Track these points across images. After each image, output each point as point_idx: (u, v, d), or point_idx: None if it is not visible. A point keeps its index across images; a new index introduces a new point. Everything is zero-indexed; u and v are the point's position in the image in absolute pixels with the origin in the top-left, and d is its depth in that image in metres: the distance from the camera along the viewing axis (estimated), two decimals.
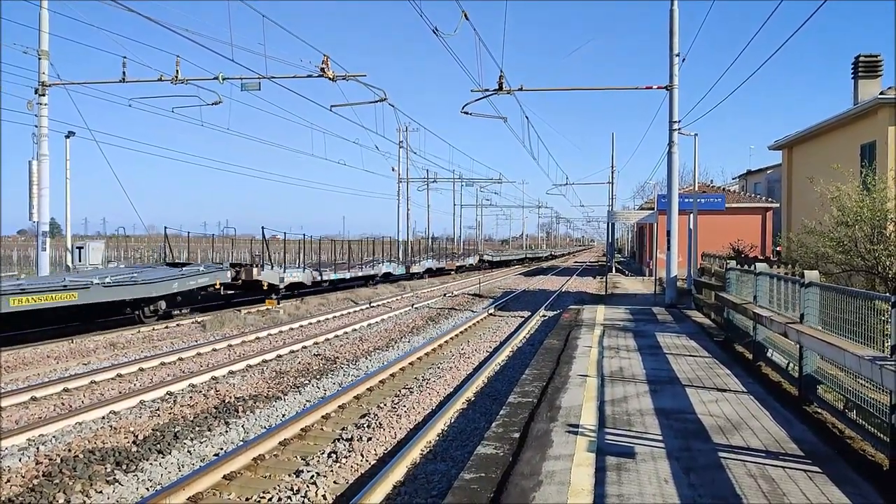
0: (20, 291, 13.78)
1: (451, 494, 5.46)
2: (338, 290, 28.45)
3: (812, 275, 8.20)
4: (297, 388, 10.96)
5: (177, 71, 20.47)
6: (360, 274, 31.79)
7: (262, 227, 25.28)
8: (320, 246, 33.63)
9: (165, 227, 26.94)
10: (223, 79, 20.32)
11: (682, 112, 20.71)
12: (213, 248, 30.73)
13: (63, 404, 9.87)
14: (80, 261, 21.69)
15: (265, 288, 22.62)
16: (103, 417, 9.04)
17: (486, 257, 56.61)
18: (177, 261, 24.35)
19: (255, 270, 21.84)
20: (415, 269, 39.03)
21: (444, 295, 28.81)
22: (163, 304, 18.34)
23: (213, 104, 21.89)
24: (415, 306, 23.77)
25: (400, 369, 12.37)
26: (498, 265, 58.21)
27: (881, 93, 19.66)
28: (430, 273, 41.44)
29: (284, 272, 23.96)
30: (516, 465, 5.93)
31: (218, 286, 20.52)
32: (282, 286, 23.41)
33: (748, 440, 6.52)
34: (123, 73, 20.92)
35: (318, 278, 26.73)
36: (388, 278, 34.78)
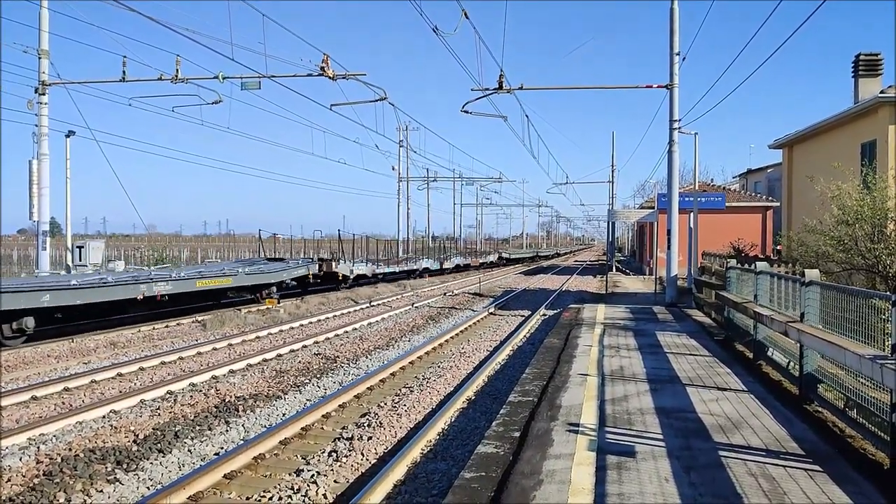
0: (199, 276, 19.55)
1: (452, 493, 5.46)
2: (385, 282, 33.11)
3: (812, 273, 8.19)
4: (298, 387, 10.96)
5: (177, 70, 20.47)
6: (405, 268, 37.05)
7: (339, 230, 30.77)
8: (368, 244, 38.31)
9: (260, 230, 31.05)
10: (223, 78, 20.32)
11: (682, 111, 20.70)
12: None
13: (63, 403, 9.87)
14: (80, 260, 21.67)
15: (340, 278, 27.95)
16: (104, 417, 9.04)
17: (503, 255, 62.37)
18: (273, 256, 30.67)
19: (333, 264, 27.49)
20: (447, 265, 43.84)
21: (445, 294, 28.81)
22: (274, 289, 23.41)
23: (213, 103, 21.89)
24: (415, 305, 23.77)
25: (400, 368, 12.37)
26: (513, 262, 63.87)
27: (881, 91, 19.66)
28: (458, 269, 46.02)
29: (353, 266, 29.54)
30: (517, 464, 5.93)
31: (310, 276, 25.74)
32: (351, 277, 29.10)
33: (749, 439, 6.52)
34: (123, 72, 20.91)
35: (375, 271, 32.40)
36: (426, 272, 39.99)
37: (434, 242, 54.45)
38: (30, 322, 14.18)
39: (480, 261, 52.64)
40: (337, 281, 27.94)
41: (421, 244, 48.76)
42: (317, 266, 26.28)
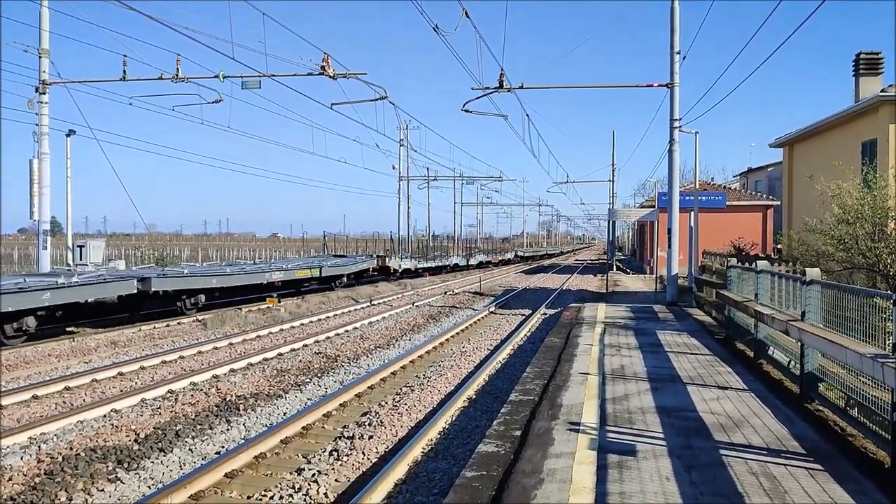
0: (299, 268, 25.04)
1: (453, 492, 5.46)
2: (420, 276, 37.76)
3: (813, 272, 8.19)
4: (299, 386, 10.96)
5: (177, 69, 20.46)
6: (439, 264, 42.96)
7: (391, 232, 31.80)
8: (408, 243, 43.88)
9: (324, 232, 34.92)
10: (224, 77, 20.31)
11: (682, 110, 20.68)
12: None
13: (64, 403, 9.88)
14: (80, 259, 21.67)
15: (391, 271, 34.20)
16: (105, 416, 9.04)
17: (519, 253, 69.11)
18: (339, 254, 36.73)
19: (387, 259, 34.05)
20: (472, 261, 49.59)
21: (445, 293, 28.81)
22: (344, 280, 28.88)
23: (213, 102, 21.88)
24: (416, 304, 23.77)
25: (401, 367, 12.37)
26: (527, 259, 71.07)
27: (882, 90, 19.64)
28: (481, 265, 51.15)
29: (401, 261, 35.42)
30: (518, 463, 5.94)
31: (371, 270, 31.95)
32: (400, 270, 34.92)
33: (749, 438, 6.52)
34: (124, 71, 20.90)
35: (417, 266, 38.25)
36: (455, 267, 45.36)
37: (434, 241, 54.46)
38: (202, 299, 19.58)
39: (500, 258, 59.52)
40: (388, 273, 34.06)
41: (420, 243, 49.30)
42: (375, 261, 33.03)
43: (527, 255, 73.08)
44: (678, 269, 21.29)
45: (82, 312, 16.47)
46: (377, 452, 7.59)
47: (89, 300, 15.59)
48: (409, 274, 36.40)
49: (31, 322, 14.22)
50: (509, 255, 63.80)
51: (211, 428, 8.53)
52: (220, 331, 17.03)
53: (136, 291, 16.66)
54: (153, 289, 17.00)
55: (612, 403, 7.95)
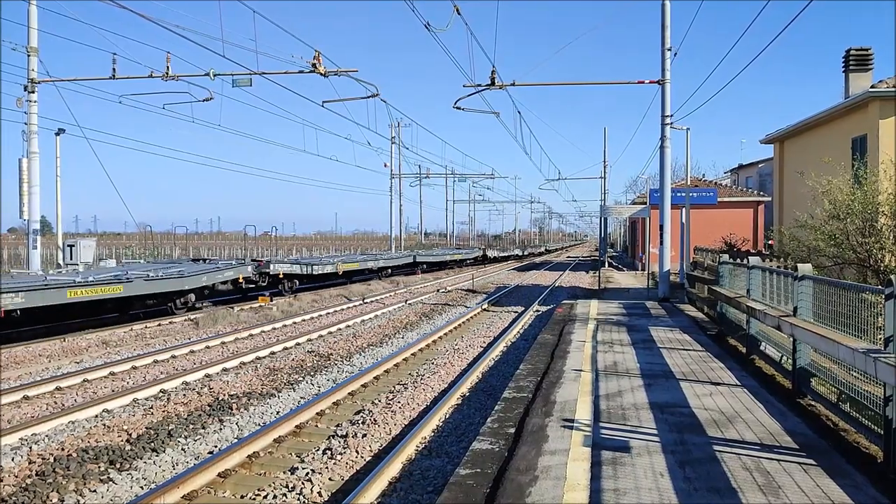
0: (351, 261, 29.79)
1: (448, 490, 5.45)
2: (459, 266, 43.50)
3: (805, 268, 8.22)
4: (291, 384, 10.93)
5: (167, 67, 20.37)
6: (465, 257, 49.32)
7: (418, 232, 32.58)
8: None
9: (423, 232, 35.30)
10: (214, 75, 20.23)
11: (674, 106, 20.71)
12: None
13: (56, 403, 9.82)
14: (71, 258, 21.54)
15: (417, 265, 39.27)
16: (96, 416, 8.99)
17: (528, 251, 73.91)
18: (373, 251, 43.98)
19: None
20: (490, 253, 55.08)
21: (438, 290, 28.80)
22: (389, 272, 33.95)
23: (204, 101, 21.82)
24: (408, 302, 23.75)
25: (394, 365, 12.36)
26: (532, 255, 75.78)
27: (872, 86, 19.73)
28: (495, 259, 56.12)
29: (426, 257, 41.25)
30: (512, 460, 5.93)
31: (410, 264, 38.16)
32: (425, 264, 40.46)
33: (743, 433, 6.54)
34: (113, 69, 20.79)
35: (444, 259, 44.35)
36: (476, 260, 51.04)
37: (426, 239, 54.54)
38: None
39: (508, 253, 63.93)
40: (417, 265, 39.60)
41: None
42: (413, 257, 39.71)
43: (536, 252, 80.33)
44: (670, 266, 21.34)
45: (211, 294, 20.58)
46: (371, 451, 7.57)
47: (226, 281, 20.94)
48: (442, 265, 43.90)
49: (192, 298, 18.92)
50: (518, 251, 68.71)
51: (203, 427, 8.49)
52: (212, 330, 16.97)
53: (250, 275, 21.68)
54: (272, 272, 22.83)
55: (606, 400, 7.96)
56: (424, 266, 41.36)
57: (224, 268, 21.08)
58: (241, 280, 21.60)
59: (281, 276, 24.06)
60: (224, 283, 20.83)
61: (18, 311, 13.70)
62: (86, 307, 15.86)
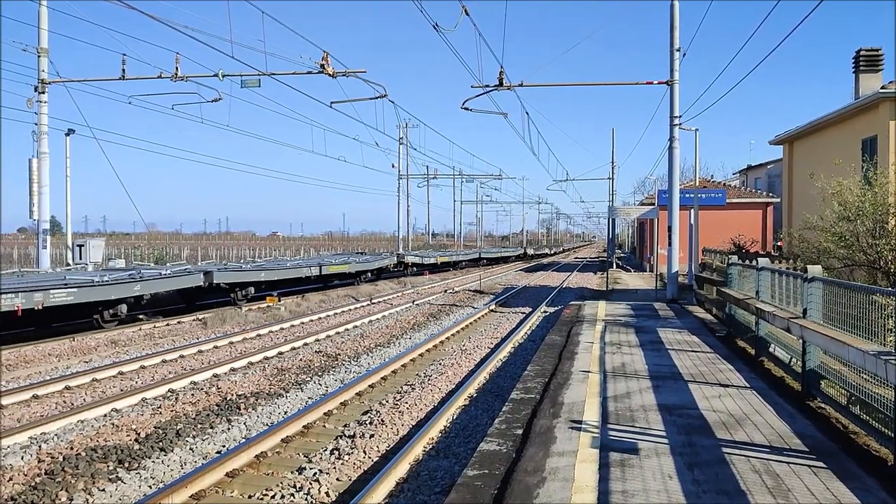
0: (431, 256, 39.97)
1: (455, 491, 5.45)
2: (420, 274, 40.32)
3: (815, 269, 8.18)
4: (299, 385, 10.95)
5: (176, 68, 20.44)
6: (502, 255, 57.31)
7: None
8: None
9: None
10: (223, 76, 20.29)
11: (682, 107, 20.66)
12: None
13: (65, 402, 9.86)
14: (80, 258, 21.66)
15: (452, 263, 45.13)
16: (105, 415, 9.03)
17: (554, 250, 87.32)
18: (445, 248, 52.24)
19: (438, 257, 43.53)
20: (529, 251, 65.24)
21: (445, 291, 28.79)
22: (463, 264, 41.98)
23: (213, 101, 21.88)
24: (416, 303, 23.75)
25: (402, 366, 12.36)
26: (554, 254, 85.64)
27: (882, 87, 19.62)
28: (517, 258, 62.96)
29: (459, 256, 47.82)
30: (520, 461, 5.92)
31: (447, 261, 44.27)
32: (462, 263, 47.52)
33: (752, 435, 6.51)
34: (123, 70, 20.89)
35: (481, 255, 52.16)
36: (519, 258, 60.17)
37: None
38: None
39: (539, 251, 72.08)
40: (453, 266, 45.41)
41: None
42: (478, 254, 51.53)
43: (561, 250, 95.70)
44: (678, 267, 21.28)
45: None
46: (378, 451, 7.57)
47: (170, 290, 19.16)
48: (474, 263, 50.51)
49: (123, 309, 16.57)
50: (546, 250, 79.08)
51: (212, 427, 8.51)
52: (220, 330, 17.02)
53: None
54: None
55: (614, 401, 7.94)
56: (485, 261, 52.26)
57: (382, 258, 31.70)
58: (389, 267, 33.58)
59: (410, 264, 35.52)
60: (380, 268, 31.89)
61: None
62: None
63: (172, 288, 18.93)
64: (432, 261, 41.04)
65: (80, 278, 16.13)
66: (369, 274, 31.90)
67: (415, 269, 38.47)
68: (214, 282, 19.43)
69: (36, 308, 13.76)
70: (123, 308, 16.53)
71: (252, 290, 21.65)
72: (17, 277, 17.43)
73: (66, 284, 15.02)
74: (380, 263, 32.97)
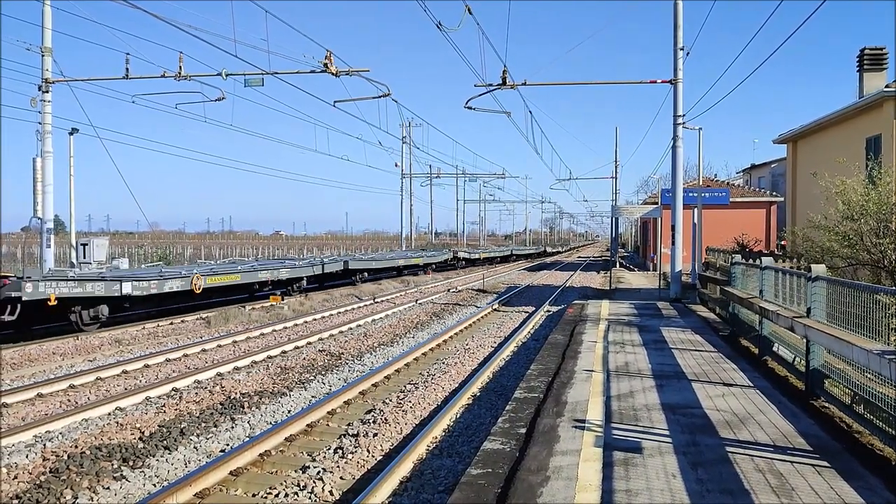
0: (476, 252, 49.68)
1: (458, 490, 5.45)
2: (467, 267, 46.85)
3: (819, 269, 8.16)
4: (303, 383, 10.96)
5: (180, 67, 20.47)
6: (531, 252, 63.74)
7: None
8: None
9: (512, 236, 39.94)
10: (226, 75, 20.31)
11: (686, 106, 20.62)
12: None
13: (69, 401, 9.89)
14: (84, 257, 21.69)
15: (490, 259, 51.61)
16: (109, 414, 9.05)
17: (566, 246, 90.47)
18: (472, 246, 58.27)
19: (481, 253, 51.29)
20: (549, 249, 68.70)
21: (448, 290, 28.81)
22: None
23: (216, 100, 21.90)
24: (419, 302, 23.77)
25: (405, 365, 12.37)
26: (567, 251, 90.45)
27: (887, 86, 19.61)
28: (550, 253, 69.22)
29: (496, 252, 53.77)
30: (523, 460, 5.92)
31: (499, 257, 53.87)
32: (497, 259, 53.92)
33: (755, 435, 6.50)
34: (127, 69, 20.91)
35: (514, 251, 60.35)
36: (540, 255, 66.19)
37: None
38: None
39: (560, 249, 76.98)
40: (485, 263, 50.06)
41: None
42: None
43: (573, 246, 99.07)
44: (682, 266, 21.26)
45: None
46: (382, 450, 7.58)
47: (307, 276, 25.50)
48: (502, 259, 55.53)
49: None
50: (561, 248, 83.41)
51: (216, 426, 8.53)
52: (223, 329, 17.05)
53: (341, 269, 28.03)
54: (350, 268, 28.68)
55: (617, 400, 7.93)
56: (515, 257, 56.87)
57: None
58: (448, 260, 37.91)
59: (461, 259, 38.52)
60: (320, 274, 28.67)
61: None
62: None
63: (322, 272, 26.25)
64: (477, 256, 50.76)
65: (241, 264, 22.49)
66: (434, 265, 40.74)
67: (464, 262, 47.39)
68: (350, 268, 28.44)
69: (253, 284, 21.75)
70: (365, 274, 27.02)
71: (366, 274, 31.02)
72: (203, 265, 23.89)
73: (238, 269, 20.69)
74: (442, 257, 42.75)
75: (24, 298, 13.63)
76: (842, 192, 14.59)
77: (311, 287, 26.19)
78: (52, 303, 14.28)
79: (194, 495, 6.22)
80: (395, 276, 34.80)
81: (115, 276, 16.50)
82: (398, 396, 9.97)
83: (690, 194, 23.60)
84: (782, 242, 24.59)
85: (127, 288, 16.20)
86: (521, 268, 50.87)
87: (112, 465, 7.07)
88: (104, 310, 15.95)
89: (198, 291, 18.83)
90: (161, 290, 17.37)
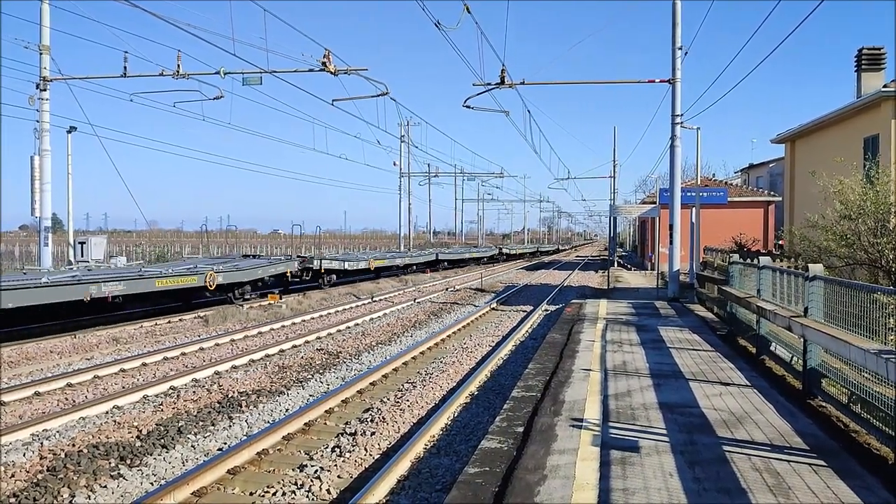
0: (514, 248, 60.24)
1: (456, 489, 5.45)
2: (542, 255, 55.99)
3: (816, 268, 8.17)
4: (300, 382, 10.96)
5: (178, 66, 20.45)
6: (549, 249, 64.02)
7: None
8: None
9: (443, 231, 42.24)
10: (224, 73, 20.29)
11: (684, 105, 20.60)
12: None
13: (66, 399, 9.88)
14: (82, 256, 21.66)
15: (518, 255, 54.94)
16: (107, 412, 9.05)
17: (569, 245, 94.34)
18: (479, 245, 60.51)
19: (504, 249, 54.09)
20: (561, 246, 71.60)
21: (447, 289, 28.80)
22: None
23: (214, 99, 21.89)
24: (417, 301, 23.76)
25: (403, 364, 12.37)
26: (564, 250, 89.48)
27: (884, 86, 19.61)
28: (561, 251, 72.85)
29: (523, 249, 57.59)
30: (521, 459, 5.93)
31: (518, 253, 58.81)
32: (525, 255, 56.44)
33: (753, 434, 6.51)
34: (125, 68, 20.90)
35: (538, 249, 67.22)
36: (555, 251, 68.22)
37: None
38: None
39: (567, 247, 79.11)
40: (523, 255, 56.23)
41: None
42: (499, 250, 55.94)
43: (575, 245, 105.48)
44: (680, 266, 21.27)
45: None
46: (379, 449, 7.59)
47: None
48: (520, 255, 58.88)
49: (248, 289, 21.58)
50: (567, 247, 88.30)
51: (213, 424, 8.53)
52: (221, 327, 17.04)
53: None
54: (373, 266, 30.37)
55: (615, 400, 7.94)
56: (539, 253, 61.21)
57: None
58: (288, 274, 23.77)
59: (322, 270, 26.16)
60: (274, 276, 23.17)
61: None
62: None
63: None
64: (515, 252, 57.41)
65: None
66: (485, 259, 43.53)
67: (505, 257, 51.76)
68: (373, 267, 30.23)
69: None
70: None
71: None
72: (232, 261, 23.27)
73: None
74: (490, 253, 47.63)
75: None
76: (840, 191, 14.59)
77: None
78: None
79: (192, 494, 6.22)
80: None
81: None
82: (396, 395, 9.96)
83: (689, 194, 23.63)
84: (780, 242, 24.64)
85: (430, 258, 30.86)
86: (519, 267, 50.86)
87: (110, 463, 7.07)
88: None
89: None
90: None
